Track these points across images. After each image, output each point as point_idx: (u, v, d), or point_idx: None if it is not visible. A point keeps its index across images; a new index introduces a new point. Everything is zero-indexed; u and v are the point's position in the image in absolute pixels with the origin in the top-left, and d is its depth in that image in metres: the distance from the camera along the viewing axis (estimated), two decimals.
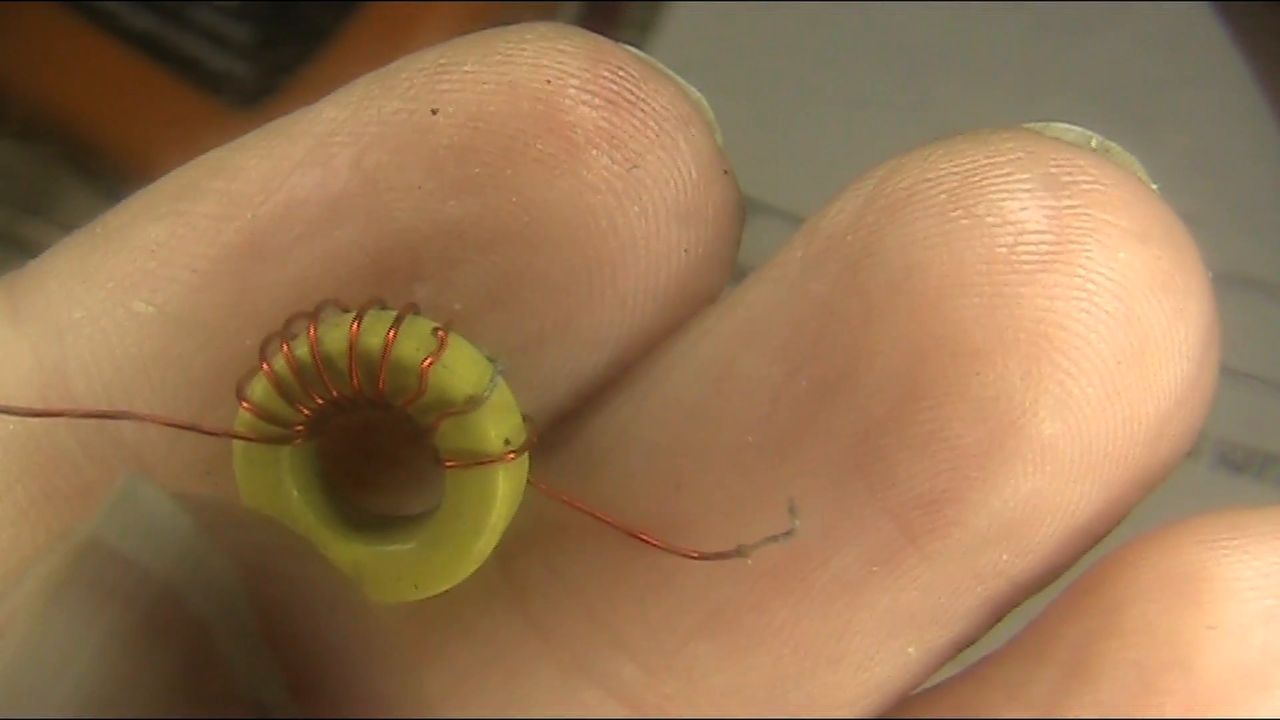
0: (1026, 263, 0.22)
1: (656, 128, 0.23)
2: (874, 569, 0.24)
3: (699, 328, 0.24)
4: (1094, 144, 0.24)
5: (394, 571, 0.22)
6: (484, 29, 0.57)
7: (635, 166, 0.23)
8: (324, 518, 0.23)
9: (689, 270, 0.24)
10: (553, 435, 0.24)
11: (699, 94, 0.24)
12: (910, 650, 0.25)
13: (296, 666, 0.18)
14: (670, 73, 0.24)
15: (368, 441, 0.24)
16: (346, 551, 0.23)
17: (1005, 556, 0.24)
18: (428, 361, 0.21)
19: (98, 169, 0.57)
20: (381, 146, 0.23)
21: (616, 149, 0.23)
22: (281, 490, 0.22)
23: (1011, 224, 0.22)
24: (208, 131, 0.52)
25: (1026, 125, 0.23)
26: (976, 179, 0.22)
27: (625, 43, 0.65)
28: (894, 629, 0.24)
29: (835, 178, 0.24)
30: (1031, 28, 0.55)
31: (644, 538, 0.23)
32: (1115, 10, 0.55)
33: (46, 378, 0.24)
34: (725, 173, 0.24)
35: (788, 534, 0.22)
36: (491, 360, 0.22)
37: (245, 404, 0.22)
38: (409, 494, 0.25)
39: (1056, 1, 0.55)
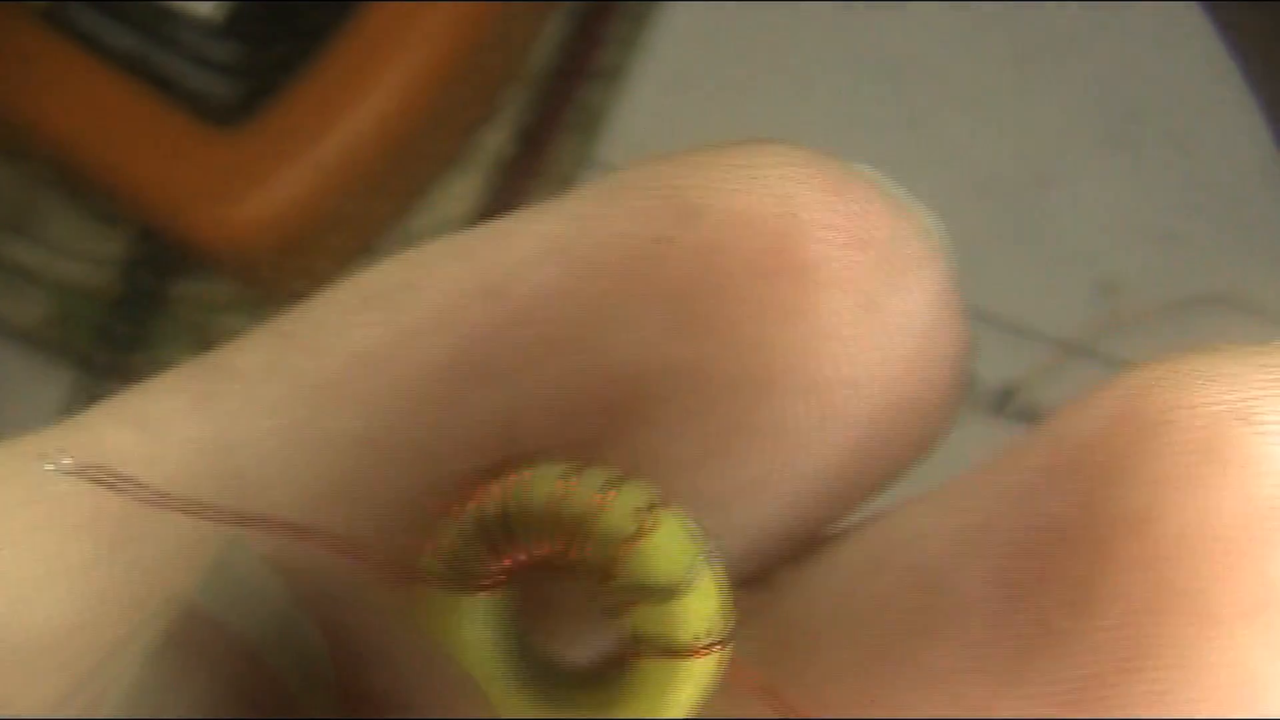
0: None
1: (896, 268, 0.21)
2: None
3: (914, 522, 0.23)
4: None
5: None
6: (480, 33, 0.57)
7: (872, 311, 0.21)
8: (500, 667, 0.22)
9: (918, 419, 0.22)
10: (754, 598, 0.23)
11: (929, 220, 0.23)
12: None
13: None
14: (906, 200, 0.22)
15: (553, 591, 0.23)
16: (515, 707, 0.22)
17: None
18: (632, 541, 0.20)
19: (81, 188, 0.57)
20: (608, 274, 0.21)
21: (855, 291, 0.21)
22: (463, 633, 0.21)
23: (1275, 475, 0.20)
24: (192, 151, 0.53)
25: None
26: (1240, 415, 0.21)
27: (621, 44, 0.65)
28: None
29: None
30: (1022, 45, 0.55)
31: None
32: (1106, 28, 0.55)
33: (224, 483, 0.22)
34: (959, 314, 0.22)
35: None
36: (701, 541, 0.20)
37: (435, 547, 0.21)
38: (574, 650, 0.24)
39: (1047, 18, 0.55)
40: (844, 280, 0.21)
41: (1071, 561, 0.21)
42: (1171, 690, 0.21)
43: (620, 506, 0.20)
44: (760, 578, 0.23)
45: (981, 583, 0.22)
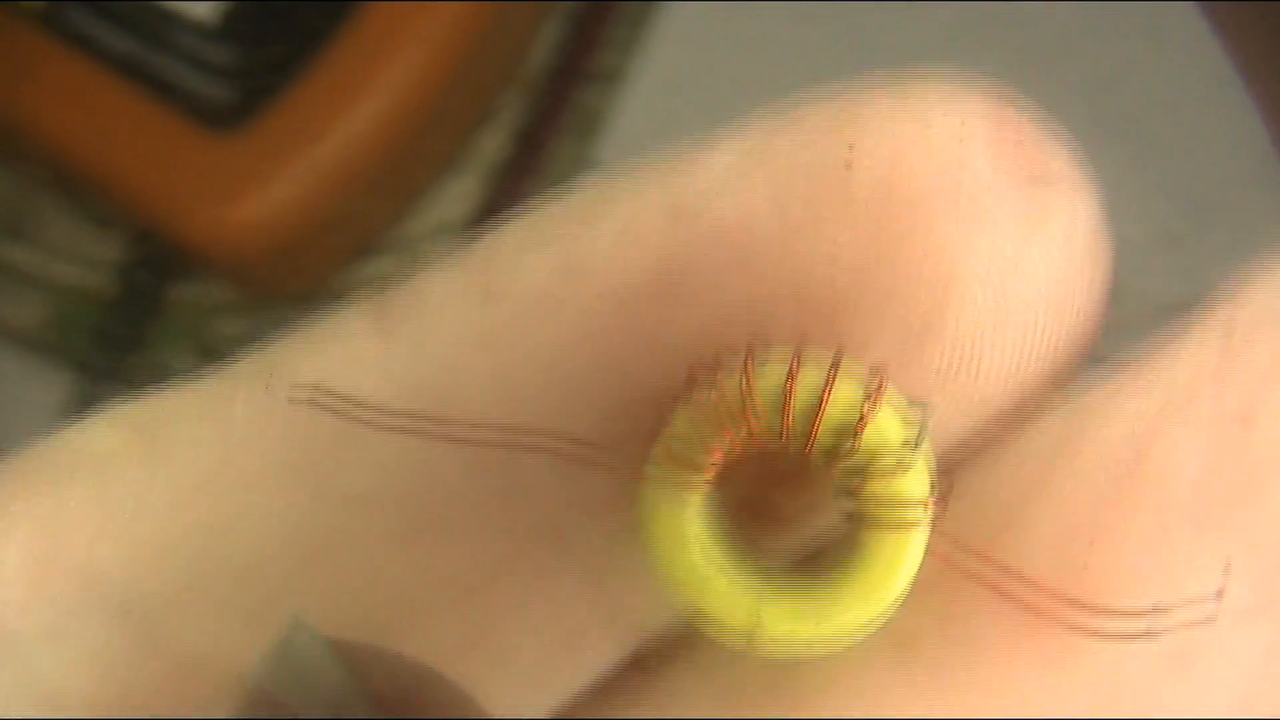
0: None
1: (1059, 188, 0.23)
2: None
3: (1102, 405, 0.24)
4: None
5: (789, 627, 0.22)
6: (477, 36, 0.57)
7: (1042, 221, 0.23)
8: (720, 564, 0.22)
9: (1079, 323, 0.24)
10: (948, 487, 0.24)
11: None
12: None
13: None
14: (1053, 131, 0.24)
15: (765, 484, 0.24)
16: (741, 602, 0.22)
17: None
18: (863, 420, 0.21)
19: (78, 191, 0.57)
20: (796, 195, 0.22)
21: (1026, 205, 0.23)
22: (683, 532, 0.22)
23: None
24: (188, 153, 0.52)
25: None
26: None
27: (619, 46, 0.65)
28: None
29: None
30: (1022, 45, 0.55)
31: (1053, 612, 0.22)
32: (1105, 28, 0.55)
33: (420, 402, 0.23)
34: (1107, 227, 0.24)
35: (1210, 616, 0.22)
36: (918, 414, 0.22)
37: (663, 441, 0.21)
38: (791, 538, 0.24)
39: (1047, 18, 0.55)
40: (1015, 194, 0.23)
41: (1274, 419, 0.22)
42: None
43: (847, 390, 0.21)
44: (953, 466, 0.24)
45: (1184, 450, 0.23)
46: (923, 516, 0.21)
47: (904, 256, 0.22)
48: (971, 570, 0.22)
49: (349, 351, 0.23)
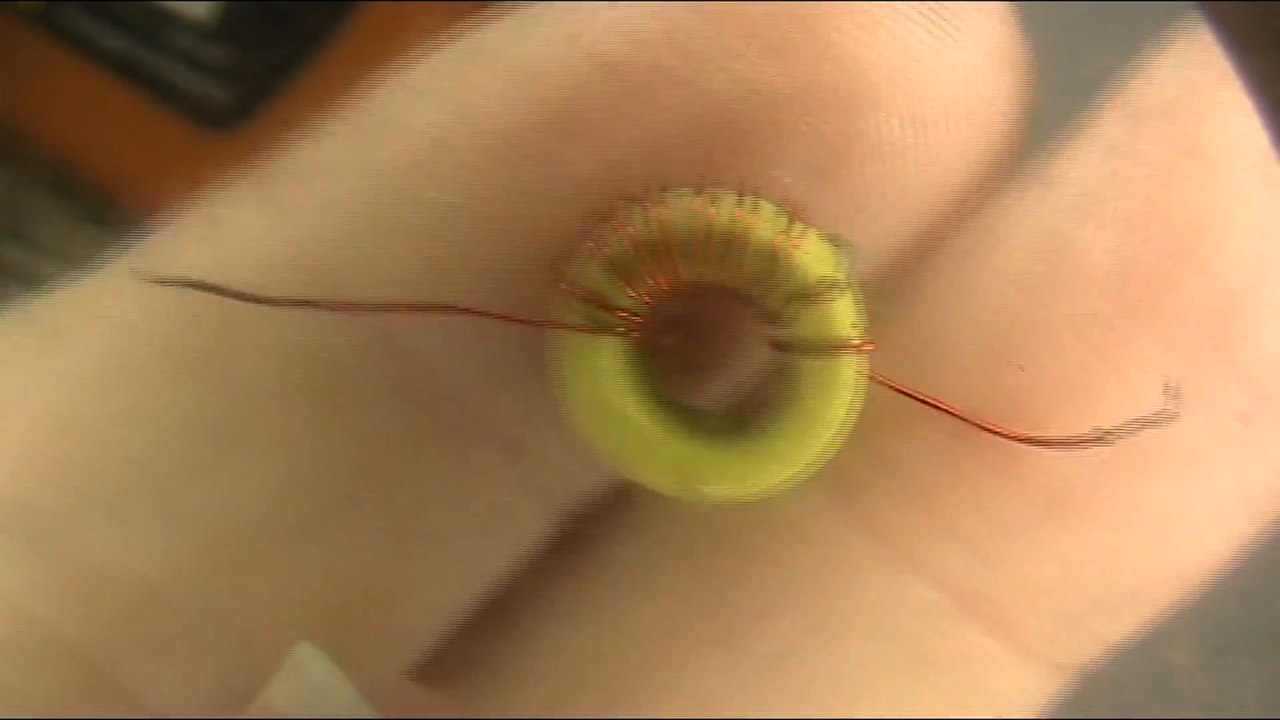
0: None
1: None
2: (1221, 442, 0.23)
3: (1020, 201, 0.23)
4: None
5: (725, 468, 0.21)
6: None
7: (950, 23, 0.22)
8: (648, 411, 0.21)
9: (998, 128, 0.23)
10: (874, 315, 0.24)
11: None
12: (1244, 526, 0.24)
13: None
14: None
15: (687, 328, 0.23)
16: (674, 447, 0.21)
17: None
18: (792, 243, 0.20)
19: (74, 192, 0.57)
20: (693, 15, 0.22)
21: (933, 15, 0.22)
22: (604, 382, 0.21)
23: None
24: (184, 154, 0.52)
25: None
26: None
27: None
28: (1233, 505, 0.23)
29: None
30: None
31: (995, 429, 0.22)
32: (1105, 29, 0.55)
33: (312, 277, 0.22)
34: (1019, 30, 0.23)
35: (1167, 416, 0.21)
36: (840, 243, 0.21)
37: (577, 289, 0.20)
38: (718, 383, 0.24)
39: (1047, 18, 0.55)
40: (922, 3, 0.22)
41: (1188, 195, 0.22)
42: None
43: (765, 220, 0.20)
44: (883, 291, 0.23)
45: (1106, 233, 0.22)
46: (854, 338, 0.21)
47: (814, 68, 0.22)
48: (905, 392, 0.22)
49: (235, 230, 0.23)
